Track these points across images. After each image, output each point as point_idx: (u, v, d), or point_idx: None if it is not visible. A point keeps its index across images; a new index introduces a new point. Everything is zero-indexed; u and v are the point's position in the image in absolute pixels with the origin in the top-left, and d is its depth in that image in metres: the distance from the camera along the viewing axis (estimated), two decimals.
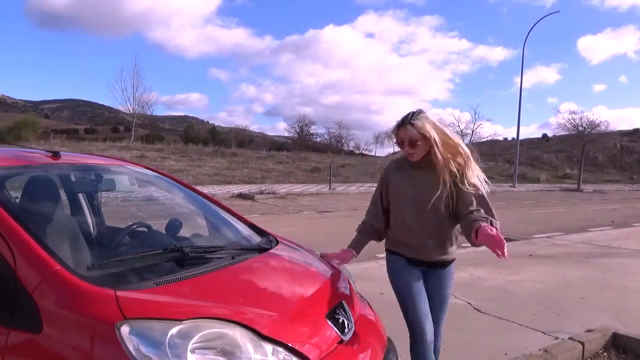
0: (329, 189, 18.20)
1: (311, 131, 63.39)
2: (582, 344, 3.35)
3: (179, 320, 1.42)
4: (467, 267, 5.55)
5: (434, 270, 2.36)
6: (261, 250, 2.25)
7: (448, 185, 2.21)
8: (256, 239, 2.47)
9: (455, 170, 2.21)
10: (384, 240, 2.46)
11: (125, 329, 1.34)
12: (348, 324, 1.88)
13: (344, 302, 2.00)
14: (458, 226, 2.30)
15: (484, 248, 2.07)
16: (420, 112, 2.27)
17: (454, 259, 2.40)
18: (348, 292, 2.15)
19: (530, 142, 65.62)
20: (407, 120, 2.23)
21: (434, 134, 2.20)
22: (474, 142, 25.28)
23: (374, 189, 2.49)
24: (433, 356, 2.29)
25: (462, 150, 2.23)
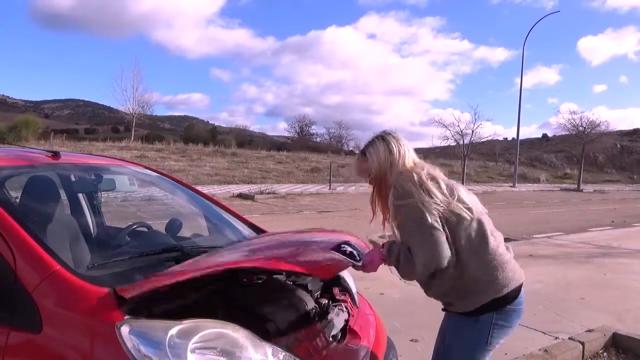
0: (329, 189, 18.20)
1: (311, 131, 63.43)
2: (582, 344, 3.35)
3: (178, 316, 1.42)
4: None
5: (449, 314, 1.91)
6: None
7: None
8: None
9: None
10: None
11: (125, 329, 1.34)
12: (358, 254, 1.87)
13: (350, 241, 1.99)
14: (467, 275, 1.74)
15: None
16: (381, 136, 1.91)
17: (460, 312, 1.80)
18: (354, 239, 2.11)
19: (530, 142, 65.70)
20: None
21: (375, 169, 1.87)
22: (474, 142, 25.26)
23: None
24: None
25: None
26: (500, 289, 1.73)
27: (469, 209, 1.75)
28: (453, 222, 1.71)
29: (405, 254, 1.71)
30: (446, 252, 1.67)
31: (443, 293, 1.81)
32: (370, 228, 1.97)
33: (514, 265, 1.80)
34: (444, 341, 1.87)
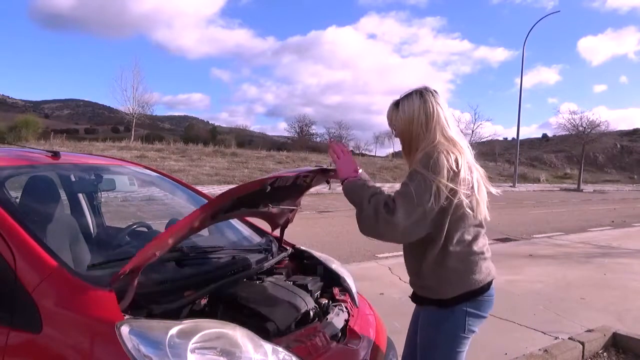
0: (329, 189, 18.14)
1: (311, 131, 63.38)
2: (582, 344, 3.35)
3: (178, 315, 1.42)
4: None
5: (422, 309, 1.87)
6: (262, 250, 2.25)
7: None
8: (256, 239, 2.47)
9: None
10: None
11: (125, 329, 1.34)
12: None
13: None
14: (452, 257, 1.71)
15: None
16: (420, 91, 1.75)
17: (440, 299, 1.75)
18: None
19: (530, 142, 65.78)
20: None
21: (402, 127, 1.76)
22: (474, 142, 25.28)
23: None
24: None
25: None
26: (476, 284, 1.74)
27: (480, 211, 1.72)
28: (459, 214, 1.67)
29: (380, 204, 1.60)
30: (410, 239, 1.66)
31: (427, 277, 1.76)
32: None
33: (489, 264, 1.82)
34: (423, 335, 1.83)
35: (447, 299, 1.73)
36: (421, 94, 1.73)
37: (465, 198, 1.64)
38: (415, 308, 1.93)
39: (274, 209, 2.19)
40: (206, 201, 2.77)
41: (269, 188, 1.65)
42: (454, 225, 1.68)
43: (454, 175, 1.61)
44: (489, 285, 1.79)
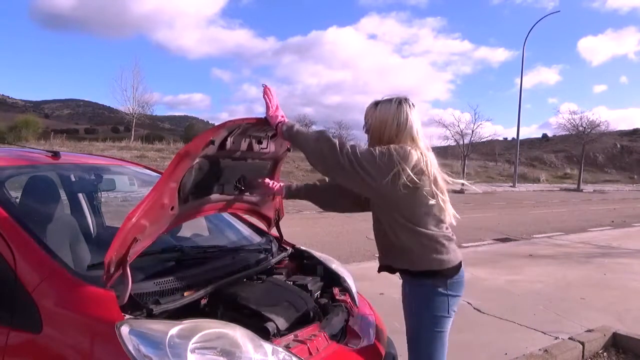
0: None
1: None
2: (582, 344, 3.35)
3: (177, 319, 1.42)
4: (467, 267, 5.51)
5: (404, 280, 1.97)
6: (262, 250, 2.25)
7: None
8: (256, 238, 2.47)
9: None
10: None
11: (125, 329, 1.34)
12: None
13: None
14: (421, 232, 1.80)
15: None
16: (399, 100, 1.86)
17: (419, 271, 1.84)
18: None
19: (530, 142, 65.83)
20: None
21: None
22: (474, 142, 25.30)
23: None
24: None
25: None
26: (447, 263, 1.83)
27: (446, 215, 1.85)
28: (424, 206, 1.78)
29: (346, 143, 1.73)
30: (345, 182, 1.77)
31: (396, 255, 1.88)
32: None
33: (455, 247, 1.90)
34: (409, 316, 1.94)
35: (418, 271, 1.83)
36: (399, 103, 1.84)
37: (433, 196, 1.78)
38: (402, 294, 1.99)
39: (252, 197, 2.19)
40: None
41: (216, 142, 1.71)
42: (421, 212, 1.79)
43: (420, 173, 1.74)
44: (458, 267, 1.88)
